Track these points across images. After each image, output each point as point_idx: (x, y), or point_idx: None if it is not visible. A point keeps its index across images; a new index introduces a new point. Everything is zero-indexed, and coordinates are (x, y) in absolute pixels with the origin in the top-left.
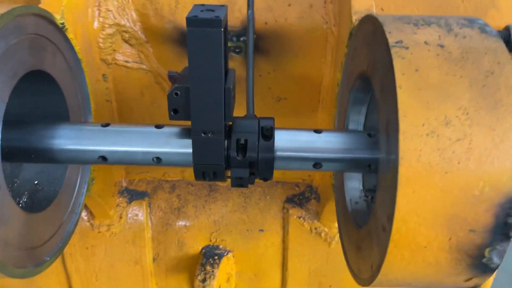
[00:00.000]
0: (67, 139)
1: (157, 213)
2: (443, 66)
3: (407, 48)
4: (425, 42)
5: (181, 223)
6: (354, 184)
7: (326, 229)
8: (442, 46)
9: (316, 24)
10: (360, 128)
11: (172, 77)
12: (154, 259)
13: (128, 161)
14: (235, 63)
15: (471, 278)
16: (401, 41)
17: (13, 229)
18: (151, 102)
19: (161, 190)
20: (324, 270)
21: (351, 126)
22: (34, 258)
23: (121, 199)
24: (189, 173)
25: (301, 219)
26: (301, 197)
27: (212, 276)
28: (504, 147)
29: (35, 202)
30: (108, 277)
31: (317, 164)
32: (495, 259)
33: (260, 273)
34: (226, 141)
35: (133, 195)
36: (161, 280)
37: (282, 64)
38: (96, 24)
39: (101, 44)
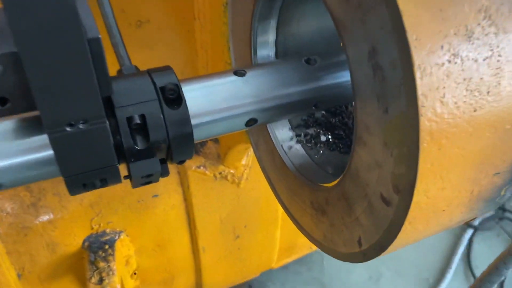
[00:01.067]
0: None
1: (5, 220)
2: None
3: None
4: None
5: (43, 220)
6: (281, 126)
7: (232, 171)
8: None
9: None
10: (272, 51)
11: None
12: (19, 276)
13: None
14: None
15: (475, 218)
16: None
17: None
18: None
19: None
20: (236, 213)
21: (261, 51)
22: None
23: None
24: None
25: (201, 168)
26: None
27: (111, 272)
28: None
29: None
30: None
31: (251, 120)
32: (508, 194)
33: (164, 242)
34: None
35: None
36: None
37: None
38: None
39: None
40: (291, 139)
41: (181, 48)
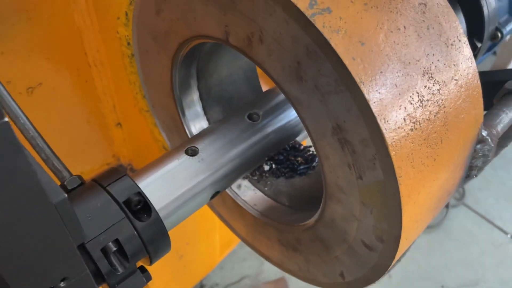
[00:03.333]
0: None
1: None
2: (382, 22)
3: (329, 11)
4: None
5: None
6: None
7: None
8: None
9: None
10: (196, 95)
11: None
12: None
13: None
14: None
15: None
16: (316, 2)
17: None
18: None
19: None
20: (176, 237)
21: (188, 107)
22: None
23: None
24: None
25: None
26: None
27: None
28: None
29: None
30: None
31: (216, 193)
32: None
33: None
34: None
35: None
36: None
37: (10, 38)
38: None
39: None
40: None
41: (82, 100)
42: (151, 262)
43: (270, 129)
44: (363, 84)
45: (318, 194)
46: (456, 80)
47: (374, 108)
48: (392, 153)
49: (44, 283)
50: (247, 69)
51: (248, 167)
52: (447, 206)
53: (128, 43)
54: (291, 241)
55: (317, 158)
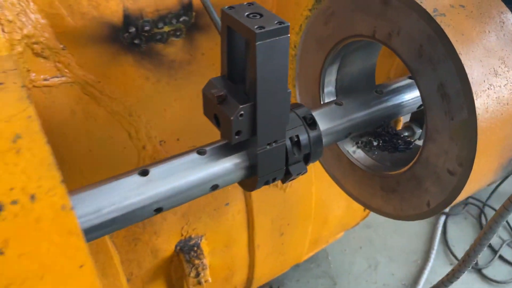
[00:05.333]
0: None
1: (119, 234)
2: (475, 26)
3: (444, 15)
4: (451, 6)
5: (148, 232)
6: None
7: None
8: (463, 7)
9: None
10: (332, 87)
11: (220, 97)
12: (128, 280)
13: (183, 201)
14: (175, 48)
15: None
16: (437, 9)
17: None
18: (85, 117)
19: None
20: (282, 214)
21: (327, 88)
22: None
23: None
24: None
25: None
26: None
27: (204, 267)
28: None
29: None
30: None
31: (349, 133)
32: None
33: (230, 242)
34: None
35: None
36: None
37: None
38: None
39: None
40: (353, 145)
41: None
42: (308, 162)
43: (390, 102)
44: (461, 55)
45: (411, 159)
46: None
47: (467, 69)
48: (475, 98)
49: (269, 139)
50: (370, 69)
51: (375, 123)
52: None
53: (295, 46)
54: (391, 184)
55: (413, 142)
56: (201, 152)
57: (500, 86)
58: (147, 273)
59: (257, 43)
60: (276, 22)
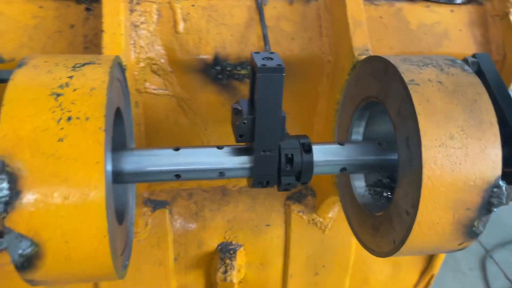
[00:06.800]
0: (152, 162)
1: (178, 219)
2: (444, 97)
3: (418, 84)
4: (429, 80)
5: (199, 225)
6: (360, 183)
7: (321, 219)
8: (440, 82)
9: (314, 54)
10: (360, 137)
11: (235, 109)
12: (175, 259)
13: (196, 177)
14: (247, 86)
15: (463, 243)
16: (413, 80)
17: (116, 240)
18: (174, 122)
19: (180, 198)
20: (319, 254)
21: (354, 136)
22: (122, 263)
23: (145, 209)
24: (204, 181)
25: (300, 213)
26: (299, 194)
27: (232, 268)
28: (487, 151)
29: (117, 217)
30: (134, 278)
31: (343, 168)
32: (481, 228)
33: (266, 262)
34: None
35: (155, 204)
36: (181, 278)
37: (285, 86)
38: (132, 59)
39: (136, 76)
40: (365, 191)
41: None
42: (300, 179)
43: (387, 156)
44: (419, 115)
45: None
46: (479, 139)
47: (421, 127)
48: (423, 151)
49: (264, 147)
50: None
51: (369, 168)
52: None
53: (338, 103)
54: (376, 223)
55: None
56: (220, 147)
57: (454, 148)
58: (191, 259)
59: (258, 74)
60: (276, 64)
